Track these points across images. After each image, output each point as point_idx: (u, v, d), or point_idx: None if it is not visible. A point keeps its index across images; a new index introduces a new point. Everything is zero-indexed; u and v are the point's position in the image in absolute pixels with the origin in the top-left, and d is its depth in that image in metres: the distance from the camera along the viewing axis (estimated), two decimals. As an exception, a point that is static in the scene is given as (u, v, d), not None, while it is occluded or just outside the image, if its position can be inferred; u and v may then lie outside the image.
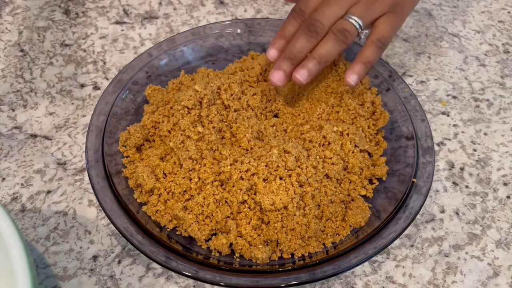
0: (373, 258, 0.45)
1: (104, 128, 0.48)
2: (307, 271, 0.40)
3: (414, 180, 0.45)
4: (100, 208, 0.47)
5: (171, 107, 0.48)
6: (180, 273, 0.39)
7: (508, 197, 0.49)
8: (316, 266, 0.41)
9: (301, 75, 0.46)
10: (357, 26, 0.46)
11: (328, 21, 0.46)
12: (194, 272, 0.39)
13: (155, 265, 0.44)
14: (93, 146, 0.47)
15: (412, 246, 0.46)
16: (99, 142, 0.47)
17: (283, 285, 0.39)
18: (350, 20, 0.46)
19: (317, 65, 0.46)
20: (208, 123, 0.46)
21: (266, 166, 0.43)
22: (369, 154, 0.49)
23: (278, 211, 0.42)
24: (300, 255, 0.43)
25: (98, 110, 0.49)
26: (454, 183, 0.50)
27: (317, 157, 0.45)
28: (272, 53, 0.48)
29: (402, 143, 0.49)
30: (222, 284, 0.39)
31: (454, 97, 0.57)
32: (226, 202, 0.43)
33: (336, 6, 0.46)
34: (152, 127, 0.48)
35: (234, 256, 0.43)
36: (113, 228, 0.46)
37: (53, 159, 0.51)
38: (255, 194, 0.43)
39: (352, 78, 0.46)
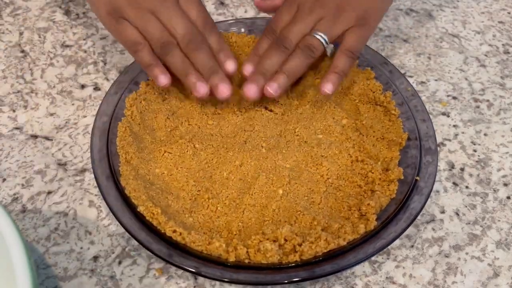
0: (373, 259, 0.45)
1: (108, 129, 0.48)
2: (307, 269, 0.40)
3: (418, 178, 0.45)
4: (101, 209, 0.48)
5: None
6: (182, 268, 0.40)
7: (508, 197, 0.49)
8: (315, 264, 0.41)
9: (272, 88, 0.48)
10: (323, 41, 0.49)
11: (296, 37, 0.49)
12: (196, 267, 0.40)
13: (155, 265, 0.44)
14: (97, 146, 0.47)
15: (412, 246, 0.46)
16: (102, 142, 0.47)
17: (285, 281, 0.39)
18: (316, 36, 0.49)
19: (287, 79, 0.48)
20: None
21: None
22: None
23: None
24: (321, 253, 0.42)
25: (101, 111, 0.49)
26: (454, 183, 0.50)
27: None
28: (248, 68, 0.50)
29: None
30: (223, 279, 0.39)
31: (454, 98, 0.57)
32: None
33: (302, 23, 0.50)
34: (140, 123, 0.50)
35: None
36: (114, 228, 0.46)
37: (53, 160, 0.51)
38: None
39: (327, 87, 0.48)
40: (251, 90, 0.48)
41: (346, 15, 0.50)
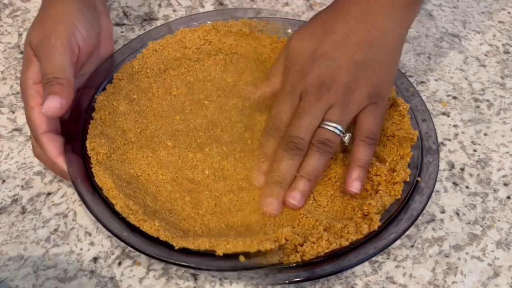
0: (373, 259, 0.45)
1: (82, 134, 0.48)
2: (307, 269, 0.40)
3: (419, 179, 0.45)
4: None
5: None
6: (183, 265, 0.39)
7: (508, 197, 0.49)
8: (316, 264, 0.40)
9: (295, 199, 0.43)
10: (338, 132, 0.44)
11: (307, 134, 0.44)
12: (196, 264, 0.39)
13: (155, 266, 0.44)
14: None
15: (412, 246, 0.46)
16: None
17: (286, 281, 0.39)
18: (329, 128, 0.44)
19: (308, 183, 0.43)
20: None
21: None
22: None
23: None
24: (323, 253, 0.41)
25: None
26: (454, 183, 0.50)
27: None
28: (259, 178, 0.45)
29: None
30: (223, 274, 0.39)
31: (454, 98, 0.57)
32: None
33: (310, 115, 0.44)
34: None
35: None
36: (113, 229, 0.46)
37: (53, 161, 0.51)
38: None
39: (355, 186, 0.43)
40: (271, 206, 0.42)
41: (357, 96, 0.44)
